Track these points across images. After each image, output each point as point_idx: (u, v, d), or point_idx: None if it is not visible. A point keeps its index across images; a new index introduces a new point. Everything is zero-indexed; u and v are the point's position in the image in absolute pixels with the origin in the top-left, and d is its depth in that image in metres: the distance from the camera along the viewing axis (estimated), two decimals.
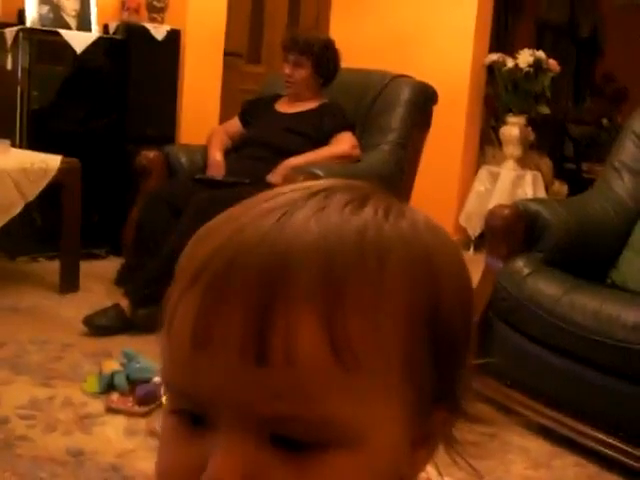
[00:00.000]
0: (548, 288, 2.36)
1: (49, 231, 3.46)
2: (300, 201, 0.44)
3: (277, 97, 3.48)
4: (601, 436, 2.21)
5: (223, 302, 0.41)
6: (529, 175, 4.65)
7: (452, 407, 0.49)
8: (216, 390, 0.42)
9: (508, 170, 4.63)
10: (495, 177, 4.63)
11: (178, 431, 0.45)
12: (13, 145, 3.34)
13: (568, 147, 6.73)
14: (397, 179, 3.28)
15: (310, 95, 3.35)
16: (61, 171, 3.10)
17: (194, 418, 0.44)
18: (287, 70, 3.34)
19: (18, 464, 1.89)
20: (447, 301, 0.46)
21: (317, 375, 0.41)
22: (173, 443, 0.45)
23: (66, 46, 3.68)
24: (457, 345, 0.48)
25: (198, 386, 0.42)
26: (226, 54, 4.48)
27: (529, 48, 4.68)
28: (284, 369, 0.40)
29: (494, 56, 4.65)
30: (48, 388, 2.33)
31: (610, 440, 2.19)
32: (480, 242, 4.26)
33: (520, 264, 2.44)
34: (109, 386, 2.29)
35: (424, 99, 3.47)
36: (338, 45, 3.40)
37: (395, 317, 0.43)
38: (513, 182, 4.58)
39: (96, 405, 2.24)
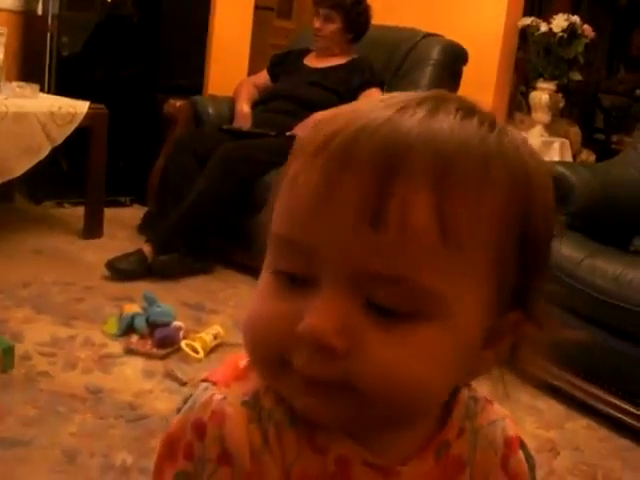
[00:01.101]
0: (569, 251, 2.35)
1: (75, 177, 3.50)
2: (414, 102, 0.49)
3: (306, 51, 3.45)
4: (614, 400, 2.22)
5: (347, 169, 0.46)
6: (557, 142, 4.60)
7: (527, 313, 0.53)
8: (330, 246, 0.46)
9: (536, 136, 4.58)
10: None
11: (276, 288, 0.49)
12: (42, 90, 3.35)
13: (599, 117, 6.64)
14: None
15: (339, 50, 3.33)
16: (89, 117, 3.12)
17: (292, 279, 0.48)
18: (317, 24, 3.31)
19: (38, 398, 1.94)
20: (537, 213, 0.50)
21: (423, 245, 0.45)
22: (269, 297, 0.49)
23: None
24: (540, 255, 0.52)
25: (314, 241, 0.46)
26: (257, 7, 4.45)
27: (564, 13, 4.59)
28: (395, 233, 0.45)
29: (528, 20, 4.57)
30: (69, 328, 2.37)
31: (622, 404, 2.20)
32: None
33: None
34: (129, 328, 2.33)
35: (454, 59, 3.44)
36: (369, 1, 3.36)
37: (493, 210, 0.47)
38: (540, 149, 4.52)
39: (115, 346, 2.28)
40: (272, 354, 0.49)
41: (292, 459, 0.52)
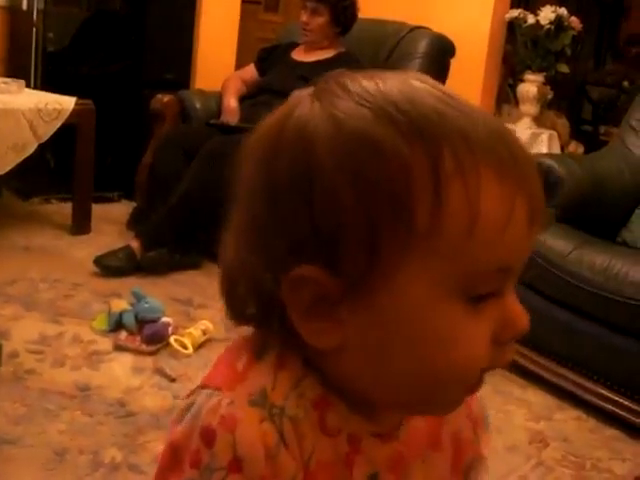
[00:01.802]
0: (557, 243, 2.36)
1: (62, 173, 3.48)
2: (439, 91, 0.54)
3: (294, 45, 3.45)
4: (603, 391, 2.23)
5: (521, 189, 0.51)
6: (545, 134, 4.60)
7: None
8: (521, 258, 0.53)
9: (524, 128, 4.59)
10: None
11: (467, 312, 0.51)
12: (28, 86, 3.33)
13: (587, 109, 6.66)
14: None
15: (327, 44, 3.32)
16: (75, 112, 3.10)
17: (479, 299, 0.51)
18: (304, 18, 3.30)
19: (27, 396, 1.93)
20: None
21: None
22: (469, 326, 0.51)
23: None
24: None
25: (520, 255, 0.53)
26: (244, 1, 4.43)
27: (551, 5, 4.59)
28: (538, 227, 0.52)
29: (515, 12, 4.57)
30: (57, 325, 2.36)
31: (611, 395, 2.21)
32: None
33: None
34: (117, 324, 2.32)
35: (441, 52, 3.43)
36: None
37: None
38: (529, 140, 4.53)
39: (104, 343, 2.27)
40: (476, 372, 0.54)
41: (310, 449, 0.53)
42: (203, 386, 0.54)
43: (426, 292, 0.50)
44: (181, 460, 0.52)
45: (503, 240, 0.50)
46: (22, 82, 3.18)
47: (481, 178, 0.49)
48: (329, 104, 0.52)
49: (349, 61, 3.26)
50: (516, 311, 0.53)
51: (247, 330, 0.59)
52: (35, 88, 3.49)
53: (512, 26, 4.61)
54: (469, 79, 4.42)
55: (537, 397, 2.32)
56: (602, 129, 6.31)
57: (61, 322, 2.38)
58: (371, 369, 0.53)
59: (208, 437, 0.51)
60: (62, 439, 1.76)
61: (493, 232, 0.49)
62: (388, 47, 3.45)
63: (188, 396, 0.55)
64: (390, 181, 0.48)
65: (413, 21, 3.60)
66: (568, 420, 2.22)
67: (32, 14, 3.60)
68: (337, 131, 0.50)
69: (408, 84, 0.53)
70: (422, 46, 3.39)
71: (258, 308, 0.55)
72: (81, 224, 3.23)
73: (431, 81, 0.54)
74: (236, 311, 0.57)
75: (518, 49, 4.65)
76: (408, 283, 0.50)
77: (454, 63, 3.48)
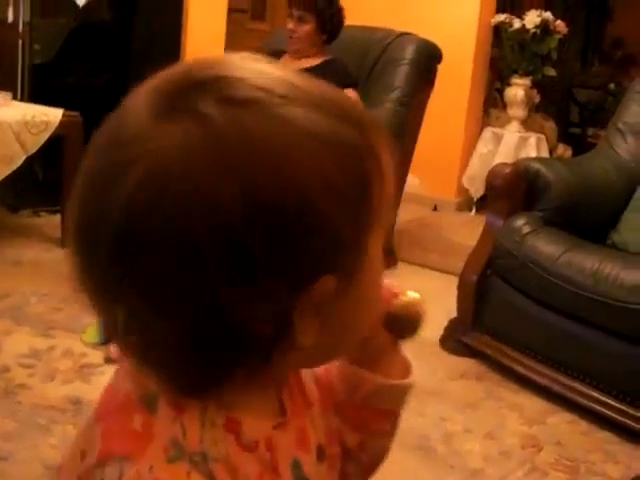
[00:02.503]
0: (547, 247, 2.36)
1: (51, 185, 3.46)
2: None
3: (281, 53, 3.45)
4: (595, 394, 2.23)
5: None
6: (533, 138, 4.63)
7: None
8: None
9: (512, 132, 4.61)
10: (499, 139, 4.61)
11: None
12: (14, 98, 3.32)
13: (574, 111, 6.69)
14: (400, 137, 3.26)
15: (313, 51, 3.32)
16: (63, 124, 3.10)
17: None
18: (291, 25, 3.30)
19: (18, 411, 1.92)
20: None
21: None
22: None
23: None
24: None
25: None
26: (230, 10, 4.44)
27: (537, 9, 4.62)
28: None
29: (501, 16, 4.60)
30: (48, 338, 2.35)
31: (604, 398, 2.22)
32: (482, 204, 4.25)
33: (520, 223, 2.44)
34: (108, 337, 2.31)
35: (428, 58, 3.44)
36: (343, 1, 3.36)
37: None
38: (517, 144, 4.56)
39: (95, 355, 2.26)
40: None
41: (244, 474, 0.51)
42: (105, 460, 0.49)
43: (377, 250, 0.52)
44: None
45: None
46: (9, 94, 3.17)
47: (385, 140, 0.52)
48: (260, 115, 0.46)
49: (336, 68, 3.26)
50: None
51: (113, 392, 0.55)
52: (22, 100, 3.48)
53: (498, 30, 4.64)
54: (456, 84, 4.44)
55: (530, 401, 2.32)
56: (590, 131, 6.34)
57: (52, 336, 2.37)
58: (334, 340, 0.53)
59: None
60: (54, 454, 1.75)
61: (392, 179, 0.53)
62: (375, 53, 3.46)
63: (83, 476, 0.50)
64: (355, 171, 0.48)
65: (400, 27, 3.61)
66: (561, 424, 2.23)
67: (18, 26, 3.60)
68: (308, 143, 0.46)
69: (289, 71, 0.51)
70: (409, 52, 3.40)
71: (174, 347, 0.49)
72: (66, 238, 3.22)
73: (278, 64, 0.53)
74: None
75: (505, 53, 4.68)
76: (372, 250, 0.51)
77: (441, 68, 3.49)
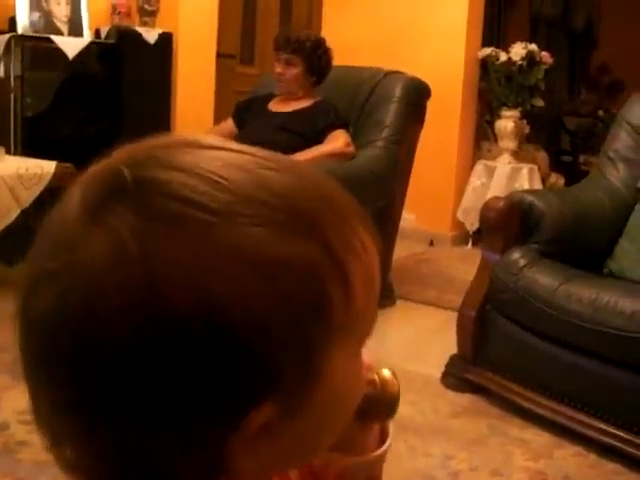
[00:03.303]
0: (544, 279, 2.36)
1: None
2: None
3: (270, 97, 3.48)
4: (601, 425, 2.21)
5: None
6: (525, 168, 4.65)
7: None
8: None
9: (504, 164, 4.64)
10: (491, 171, 4.64)
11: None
12: (7, 152, 3.34)
13: (564, 139, 6.73)
14: (392, 175, 3.28)
15: (303, 94, 3.36)
16: (56, 176, 3.11)
17: None
18: (279, 69, 3.34)
19: (19, 469, 1.90)
20: None
21: None
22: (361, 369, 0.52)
23: (58, 52, 3.68)
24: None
25: None
26: (219, 56, 4.48)
27: (522, 42, 4.68)
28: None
29: (487, 50, 4.66)
30: None
31: (610, 429, 2.20)
32: (478, 237, 4.26)
33: (516, 256, 2.44)
34: None
35: (417, 95, 3.47)
36: (330, 43, 3.40)
37: None
38: (509, 176, 4.58)
39: None
40: None
41: None
42: None
43: (348, 364, 0.48)
44: None
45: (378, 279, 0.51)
46: (2, 149, 3.18)
47: (360, 237, 0.47)
48: (191, 234, 0.41)
49: (327, 109, 3.29)
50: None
51: None
52: (15, 153, 3.50)
53: (485, 64, 4.69)
54: (446, 119, 4.48)
55: (535, 435, 2.30)
56: (581, 158, 6.38)
57: None
58: (291, 457, 0.50)
59: None
60: None
61: (376, 278, 0.49)
62: (364, 93, 3.49)
63: None
64: (305, 287, 0.43)
65: (387, 66, 3.65)
66: (568, 457, 2.20)
67: (9, 80, 3.63)
68: (236, 265, 0.41)
69: (234, 164, 0.45)
70: (398, 90, 3.43)
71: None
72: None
73: (237, 146, 0.47)
74: None
75: (492, 86, 4.72)
76: (335, 367, 0.47)
77: (431, 104, 3.52)
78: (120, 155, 0.46)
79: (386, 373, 0.61)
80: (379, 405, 0.60)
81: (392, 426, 0.66)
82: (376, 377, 0.60)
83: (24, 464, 1.92)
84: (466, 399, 2.49)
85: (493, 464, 2.12)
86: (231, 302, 0.41)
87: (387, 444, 0.65)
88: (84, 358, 0.41)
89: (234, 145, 0.47)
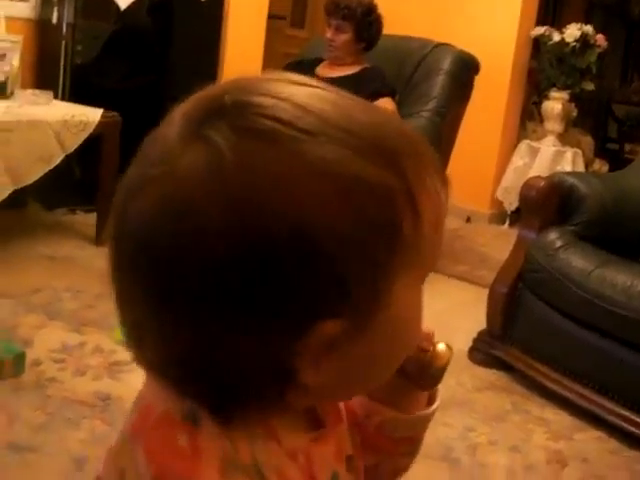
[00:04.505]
0: (579, 262, 2.34)
1: (87, 184, 3.51)
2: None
3: (319, 61, 3.47)
4: (624, 412, 2.21)
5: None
6: (569, 152, 4.59)
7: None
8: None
9: (548, 146, 4.58)
10: (535, 152, 4.58)
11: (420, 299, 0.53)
12: (56, 98, 3.38)
13: (612, 127, 6.62)
14: (435, 147, 3.25)
15: (351, 60, 3.34)
16: (101, 125, 3.14)
17: None
18: (329, 34, 3.32)
19: (48, 404, 1.95)
20: None
21: None
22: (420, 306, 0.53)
23: (111, 2, 3.70)
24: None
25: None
26: (270, 17, 4.47)
27: (577, 23, 4.59)
28: None
29: (541, 29, 4.58)
30: (80, 335, 2.38)
31: (633, 416, 2.19)
32: (515, 217, 4.23)
33: (553, 237, 2.43)
34: None
35: (466, 69, 3.44)
36: (381, 11, 3.37)
37: None
38: (553, 158, 4.52)
39: (125, 353, 2.28)
40: None
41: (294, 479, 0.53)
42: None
43: (410, 294, 0.51)
44: None
45: (442, 224, 0.52)
46: (50, 93, 3.22)
47: (432, 179, 0.50)
48: (282, 150, 0.45)
49: (374, 76, 3.27)
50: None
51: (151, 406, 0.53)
52: (63, 99, 3.54)
53: (537, 43, 4.61)
54: (493, 96, 4.43)
55: (557, 417, 2.30)
56: (627, 147, 6.28)
57: (83, 332, 2.40)
58: (352, 380, 0.53)
59: None
60: (81, 448, 1.77)
61: (443, 220, 0.51)
62: (412, 63, 3.47)
63: None
64: (381, 210, 0.46)
65: (437, 38, 3.62)
66: (588, 440, 2.20)
67: (61, 27, 3.66)
68: (317, 181, 0.45)
69: (322, 97, 0.49)
70: (446, 63, 3.40)
71: (199, 368, 0.49)
72: (105, 235, 3.26)
73: (326, 85, 0.51)
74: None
75: (543, 66, 4.65)
76: (399, 294, 0.49)
77: (479, 80, 3.49)
78: (221, 84, 0.50)
79: (441, 346, 0.62)
80: (423, 373, 0.62)
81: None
82: (431, 347, 0.61)
83: (53, 400, 1.97)
84: (491, 375, 2.50)
85: (512, 440, 2.13)
86: (314, 213, 0.44)
87: (431, 408, 0.66)
88: (176, 258, 0.45)
89: (324, 84, 0.51)
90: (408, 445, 0.68)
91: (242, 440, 0.50)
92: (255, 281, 0.44)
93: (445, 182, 0.52)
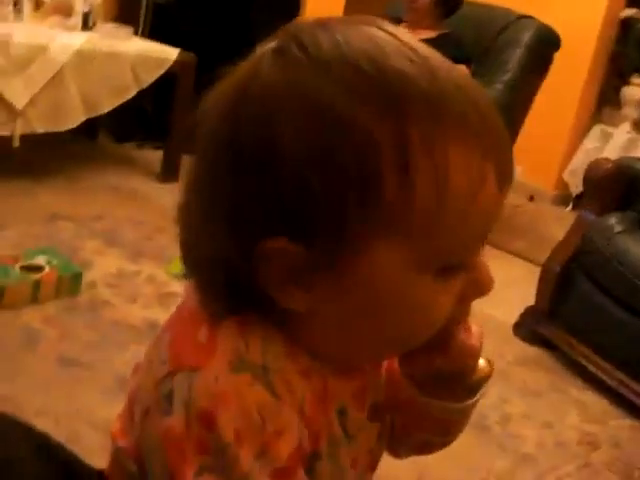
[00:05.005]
0: (637, 248, 2.31)
1: (158, 121, 3.58)
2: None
3: (398, 21, 3.44)
4: None
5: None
6: None
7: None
8: (494, 219, 0.54)
9: (623, 132, 4.47)
10: (608, 137, 4.49)
11: (434, 284, 0.52)
12: (135, 34, 3.43)
13: None
14: (505, 120, 3.21)
15: (430, 23, 3.31)
16: (177, 64, 3.19)
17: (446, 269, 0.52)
18: None
19: (100, 325, 2.03)
20: None
21: None
22: (435, 295, 0.53)
23: None
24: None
25: (491, 221, 0.54)
26: None
27: None
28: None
29: (630, 11, 4.44)
30: (135, 264, 2.46)
31: None
32: (581, 201, 4.16)
33: (613, 221, 2.40)
34: None
35: (546, 44, 3.38)
36: None
37: None
38: (625, 145, 4.42)
39: (177, 286, 2.36)
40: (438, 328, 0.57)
41: (300, 396, 0.54)
42: (175, 371, 0.53)
43: (398, 267, 0.50)
44: (187, 450, 0.50)
45: (473, 210, 0.50)
46: (130, 29, 3.28)
47: (449, 150, 0.48)
48: (291, 70, 0.50)
49: (451, 42, 3.23)
50: (483, 273, 0.55)
51: (186, 301, 0.59)
52: (142, 36, 3.59)
53: (625, 25, 4.48)
54: (571, 75, 4.33)
55: (594, 400, 2.30)
56: None
57: (139, 262, 2.48)
58: (341, 333, 0.55)
59: (208, 420, 0.50)
60: (126, 369, 1.83)
61: (463, 204, 0.49)
62: (492, 33, 3.42)
63: (157, 386, 0.54)
64: (356, 157, 0.47)
65: (520, 9, 3.55)
66: (623, 427, 2.20)
67: None
68: (300, 104, 0.49)
69: (371, 38, 0.50)
70: (527, 36, 3.34)
71: (215, 271, 0.54)
72: (170, 172, 3.32)
73: (394, 30, 0.52)
74: (196, 273, 0.57)
75: (628, 50, 4.52)
76: (380, 258, 0.50)
77: (558, 57, 3.42)
78: (301, 20, 0.56)
79: (481, 361, 0.64)
80: (457, 380, 0.64)
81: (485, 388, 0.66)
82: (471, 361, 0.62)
83: (104, 321, 2.05)
84: (533, 351, 2.49)
85: (546, 417, 2.13)
86: (292, 133, 0.48)
87: (467, 403, 0.66)
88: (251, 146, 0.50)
89: (393, 30, 0.52)
90: (436, 425, 0.68)
91: (256, 344, 0.53)
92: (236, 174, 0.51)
93: (502, 168, 0.50)
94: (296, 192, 0.48)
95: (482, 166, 0.49)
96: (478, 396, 0.66)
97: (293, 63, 0.50)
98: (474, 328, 0.62)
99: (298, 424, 0.53)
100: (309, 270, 0.50)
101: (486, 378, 0.64)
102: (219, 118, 0.53)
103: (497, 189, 0.50)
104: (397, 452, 0.73)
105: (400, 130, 0.47)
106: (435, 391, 0.65)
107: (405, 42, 0.50)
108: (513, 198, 4.28)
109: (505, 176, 0.51)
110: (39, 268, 2.08)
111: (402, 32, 0.52)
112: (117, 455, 0.62)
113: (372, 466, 0.69)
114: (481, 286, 0.55)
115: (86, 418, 1.62)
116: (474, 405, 0.67)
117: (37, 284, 2.04)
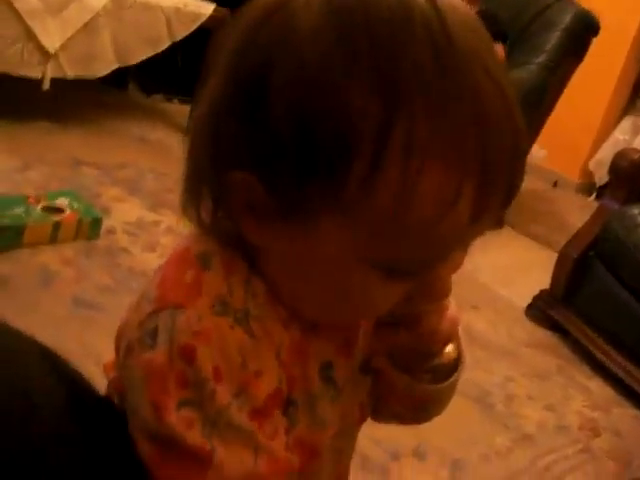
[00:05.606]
0: None
1: (187, 75, 3.57)
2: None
3: None
4: None
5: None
6: None
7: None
8: (454, 247, 0.52)
9: None
10: (638, 130, 4.44)
11: (377, 279, 0.52)
12: None
13: None
14: (537, 102, 3.19)
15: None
16: (212, 19, 3.18)
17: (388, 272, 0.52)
18: None
19: (116, 271, 2.04)
20: None
21: None
22: (370, 285, 0.53)
23: None
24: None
25: (449, 249, 0.52)
26: None
27: None
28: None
29: None
30: (155, 214, 2.47)
31: None
32: (604, 192, 4.13)
33: (636, 211, 2.38)
34: None
35: (584, 28, 3.33)
36: None
37: None
38: None
39: None
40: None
41: (278, 343, 0.56)
42: (160, 308, 0.54)
43: (340, 248, 0.51)
44: (168, 383, 0.52)
45: (431, 235, 0.48)
46: None
47: (429, 164, 0.45)
48: (314, 19, 0.49)
49: (487, 19, 3.20)
50: (436, 285, 0.54)
51: (182, 242, 0.60)
52: None
53: None
54: (608, 63, 4.28)
55: (600, 388, 2.30)
56: None
57: (159, 212, 2.49)
58: (288, 282, 0.56)
59: (189, 355, 0.51)
60: None
61: (422, 225, 0.47)
62: (531, 13, 3.38)
63: (142, 323, 0.55)
64: (336, 130, 0.46)
65: None
66: (625, 416, 2.20)
67: None
68: (302, 53, 0.48)
69: (405, 7, 0.48)
70: (566, 19, 3.30)
71: (202, 197, 0.58)
72: None
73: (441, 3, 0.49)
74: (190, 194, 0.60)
75: None
76: (325, 233, 0.50)
77: (595, 43, 3.37)
78: None
79: (448, 348, 0.64)
80: (414, 359, 0.64)
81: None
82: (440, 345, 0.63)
83: (120, 267, 2.07)
84: (543, 334, 2.50)
85: (550, 400, 2.14)
86: (282, 79, 0.49)
87: (430, 387, 0.66)
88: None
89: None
90: (403, 400, 0.69)
91: (240, 289, 0.55)
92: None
93: (486, 203, 0.47)
94: (269, 138, 0.49)
95: (458, 194, 0.46)
96: (446, 384, 0.66)
97: (317, 12, 0.49)
98: (450, 313, 0.61)
99: (277, 368, 0.55)
100: (263, 211, 0.52)
101: (447, 365, 0.64)
102: (239, 32, 0.54)
103: (468, 222, 0.47)
104: (375, 416, 0.74)
105: (386, 118, 0.45)
106: (398, 365, 0.66)
107: (442, 27, 0.48)
108: (537, 183, 4.25)
109: (483, 210, 0.47)
110: (60, 210, 2.10)
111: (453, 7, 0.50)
112: (109, 387, 0.65)
113: (361, 420, 0.70)
114: (429, 295, 0.55)
115: (95, 359, 1.63)
116: (441, 392, 0.67)
117: (57, 225, 2.05)
